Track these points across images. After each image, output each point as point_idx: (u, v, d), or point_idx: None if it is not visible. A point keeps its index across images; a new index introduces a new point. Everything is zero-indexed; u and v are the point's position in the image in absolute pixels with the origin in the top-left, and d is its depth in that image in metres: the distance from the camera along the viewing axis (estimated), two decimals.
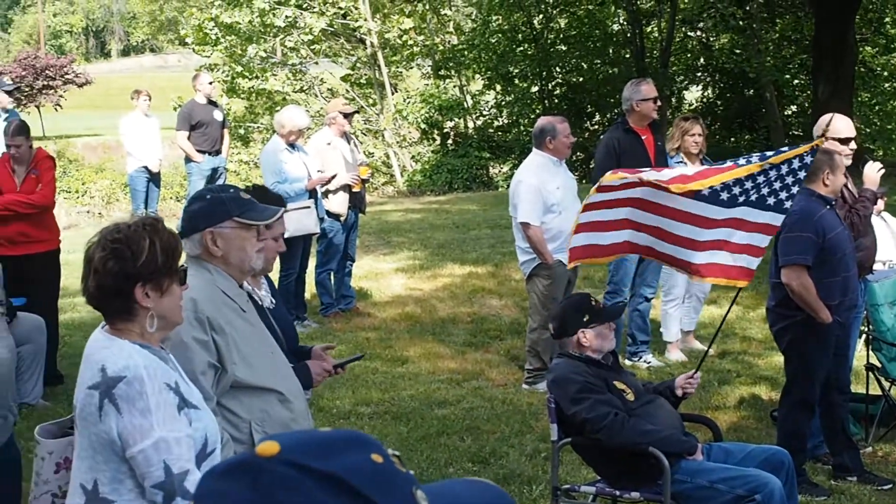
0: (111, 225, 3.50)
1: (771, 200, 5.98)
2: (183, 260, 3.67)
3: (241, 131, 27.52)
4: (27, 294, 8.84)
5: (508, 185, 9.86)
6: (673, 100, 28.07)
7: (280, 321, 4.90)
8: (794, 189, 6.00)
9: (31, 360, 8.51)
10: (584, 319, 5.83)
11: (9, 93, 13.14)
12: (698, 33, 29.58)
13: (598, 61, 28.66)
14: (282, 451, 1.26)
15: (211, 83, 15.33)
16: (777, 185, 5.96)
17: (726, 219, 6.00)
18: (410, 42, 27.60)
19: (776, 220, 6.04)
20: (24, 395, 8.48)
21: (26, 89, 30.63)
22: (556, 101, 27.82)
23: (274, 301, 5.01)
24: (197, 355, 3.99)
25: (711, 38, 29.40)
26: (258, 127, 27.89)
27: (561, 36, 28.42)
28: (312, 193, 10.44)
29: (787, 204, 6.01)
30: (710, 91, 29.89)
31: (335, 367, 5.10)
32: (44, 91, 31.73)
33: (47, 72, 31.87)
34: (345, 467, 1.25)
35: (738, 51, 27.57)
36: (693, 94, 30.63)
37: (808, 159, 6.02)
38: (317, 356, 5.09)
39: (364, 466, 1.27)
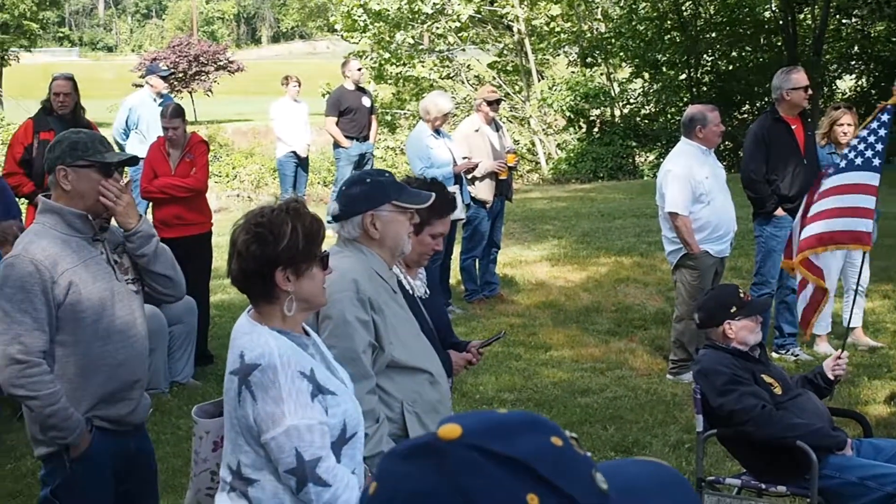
0: (256, 209, 3.56)
1: (859, 161, 6.40)
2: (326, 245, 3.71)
3: (388, 118, 27.76)
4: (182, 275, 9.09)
5: (654, 175, 9.75)
6: (825, 89, 27.35)
7: (433, 311, 4.92)
8: (879, 147, 6.35)
9: (183, 340, 8.75)
10: (731, 311, 5.75)
11: (164, 78, 13.48)
12: (853, 21, 28.74)
13: (749, 49, 28.11)
14: (464, 435, 1.26)
15: (360, 70, 15.49)
16: (861, 146, 6.42)
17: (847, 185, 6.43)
18: (557, 29, 27.47)
19: (873, 179, 6.38)
20: (175, 373, 8.73)
21: (179, 75, 31.38)
22: (705, 89, 27.39)
23: (428, 292, 5.03)
24: (359, 334, 4.08)
25: (867, 26, 28.55)
26: (405, 113, 28.10)
27: (710, 23, 27.94)
28: (458, 180, 10.48)
29: (876, 162, 6.35)
30: (864, 80, 29.03)
31: (477, 349, 5.12)
32: (196, 77, 32.46)
33: (200, 58, 32.60)
34: (527, 451, 1.25)
35: (895, 39, 26.72)
36: (846, 84, 29.80)
37: (884, 117, 6.41)
38: (472, 349, 5.13)
39: (545, 450, 1.27)
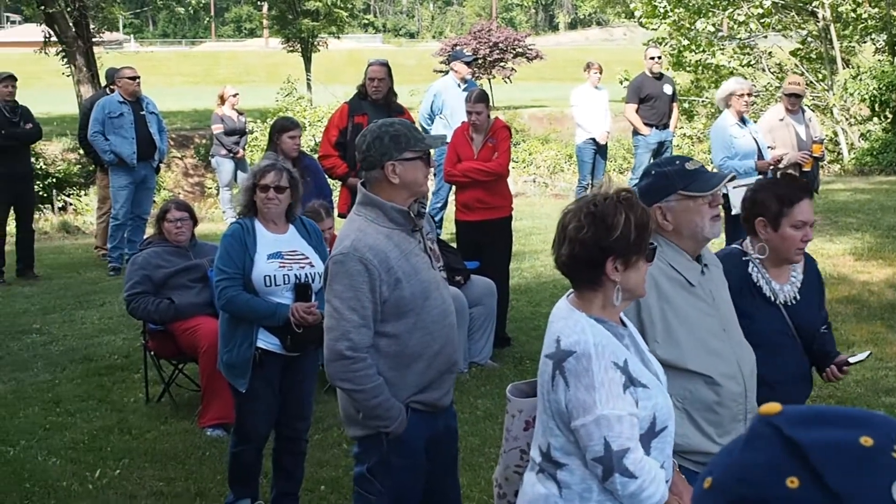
0: (588, 195, 3.55)
1: None
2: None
3: (686, 105, 27.35)
4: (480, 258, 9.27)
5: None
6: None
7: (802, 317, 4.76)
8: None
9: (483, 322, 8.91)
10: None
11: (468, 64, 13.72)
12: None
13: None
14: (778, 414, 1.28)
15: (652, 58, 15.33)
16: None
17: None
18: (865, 15, 26.28)
19: None
20: (474, 354, 8.90)
21: (479, 61, 31.91)
22: None
23: (798, 297, 4.83)
24: None
25: None
26: (702, 101, 27.60)
27: None
28: (761, 170, 10.23)
29: None
30: None
31: (843, 365, 4.92)
32: (496, 63, 32.93)
33: (500, 45, 33.04)
34: (811, 439, 1.23)
35: None
36: None
37: None
38: (838, 365, 4.95)
39: (835, 443, 1.23)
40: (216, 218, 17.59)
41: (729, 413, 4.14)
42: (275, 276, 5.91)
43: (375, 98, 10.03)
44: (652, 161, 14.98)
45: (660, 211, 4.17)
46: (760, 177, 10.15)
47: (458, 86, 13.14)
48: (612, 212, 3.42)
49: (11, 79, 12.69)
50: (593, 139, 15.44)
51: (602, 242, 3.41)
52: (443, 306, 4.57)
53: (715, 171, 10.05)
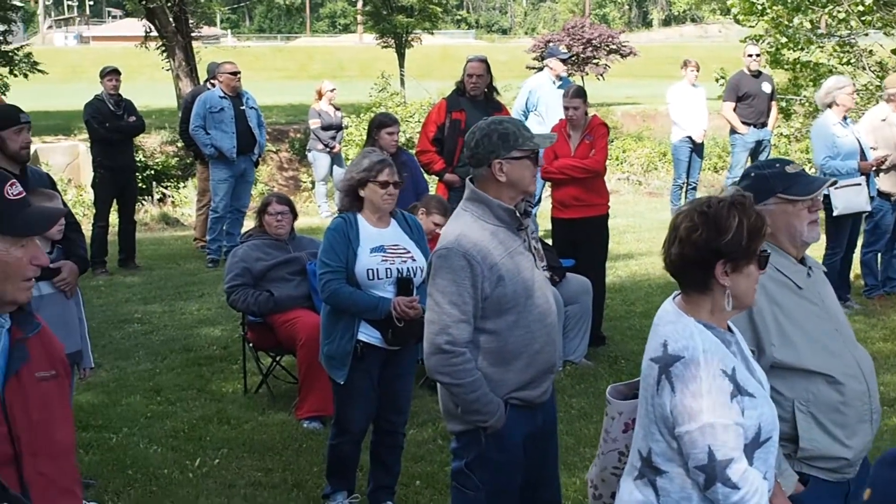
0: (703, 198, 3.54)
1: None
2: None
3: (783, 103, 26.95)
4: (577, 256, 9.24)
5: None
6: None
7: None
8: None
9: (577, 320, 8.89)
10: None
11: (563, 61, 13.67)
12: None
13: None
14: None
15: (750, 56, 15.16)
16: None
17: None
18: None
19: None
20: (569, 352, 8.88)
21: (572, 58, 31.77)
22: None
23: None
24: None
25: None
26: (800, 100, 27.19)
27: None
28: (864, 171, 10.07)
29: None
30: None
31: None
32: (590, 60, 32.75)
33: (593, 42, 32.84)
34: None
35: None
36: None
37: None
38: None
39: None
40: (311, 212, 17.77)
41: (855, 413, 4.06)
42: (377, 269, 5.96)
43: (474, 94, 10.05)
44: (749, 161, 14.88)
45: None
46: (863, 178, 10.00)
47: (553, 83, 13.11)
48: (725, 214, 3.41)
49: (116, 73, 12.95)
50: (689, 137, 15.33)
51: (713, 244, 3.40)
52: (544, 306, 4.56)
53: (815, 172, 9.93)
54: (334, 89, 17.10)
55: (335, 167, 17.02)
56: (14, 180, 3.11)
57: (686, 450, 3.32)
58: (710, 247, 3.40)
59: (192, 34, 24.33)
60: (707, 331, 3.41)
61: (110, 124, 12.73)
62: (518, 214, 4.52)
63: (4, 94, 23.84)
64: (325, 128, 16.75)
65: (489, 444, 4.51)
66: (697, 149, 15.55)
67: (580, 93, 9.42)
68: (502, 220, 4.49)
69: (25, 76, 25.73)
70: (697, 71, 15.50)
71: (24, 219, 3.07)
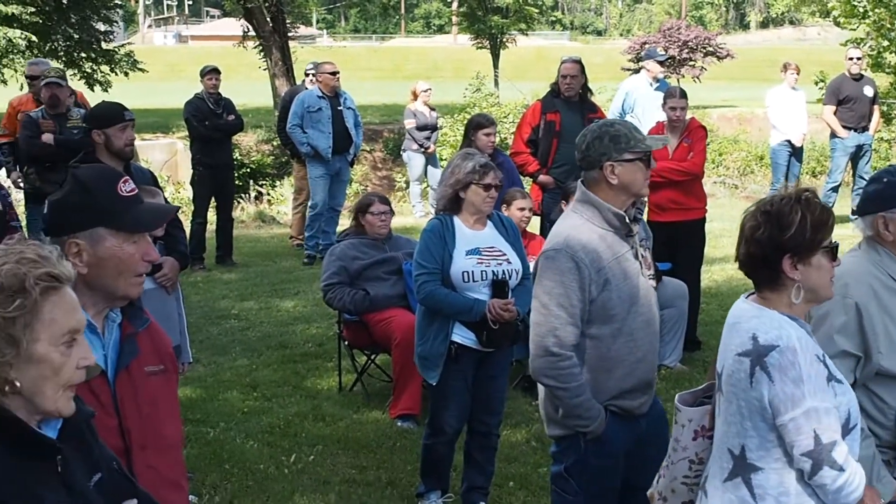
0: (768, 196, 3.59)
1: None
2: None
3: (885, 107, 26.45)
4: (673, 259, 9.17)
5: None
6: None
7: None
8: None
9: (673, 324, 8.82)
10: None
11: (661, 63, 13.58)
12: None
13: None
14: None
15: (851, 59, 14.89)
16: None
17: None
18: None
19: None
20: (664, 357, 8.81)
21: (669, 60, 31.50)
22: None
23: None
24: (831, 342, 4.00)
25: None
26: None
27: None
28: None
29: None
30: None
31: None
32: (686, 62, 32.45)
33: (689, 44, 32.53)
34: None
35: None
36: None
37: None
38: None
39: None
40: (405, 212, 17.85)
41: None
42: (472, 272, 5.97)
43: (568, 95, 10.02)
44: (850, 165, 14.64)
45: (882, 220, 4.11)
46: None
47: (650, 84, 13.03)
48: (787, 211, 3.45)
49: (216, 72, 13.14)
50: (789, 141, 15.13)
51: (776, 240, 3.44)
52: (648, 315, 4.52)
53: None
54: (429, 90, 17.16)
55: (429, 167, 17.09)
56: (127, 177, 3.18)
57: (791, 438, 3.31)
58: (773, 243, 3.45)
59: (289, 34, 24.56)
60: (792, 321, 3.44)
61: (210, 122, 12.93)
62: (628, 221, 4.47)
63: (106, 92, 24.31)
64: (420, 128, 16.82)
65: (588, 450, 4.49)
66: (797, 153, 15.34)
67: (684, 94, 9.39)
68: (612, 224, 4.44)
69: (126, 74, 26.18)
70: (797, 74, 15.26)
71: (137, 215, 3.14)
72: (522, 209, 8.37)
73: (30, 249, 2.47)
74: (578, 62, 10.15)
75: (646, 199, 4.71)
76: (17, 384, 2.40)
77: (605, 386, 4.45)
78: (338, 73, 13.20)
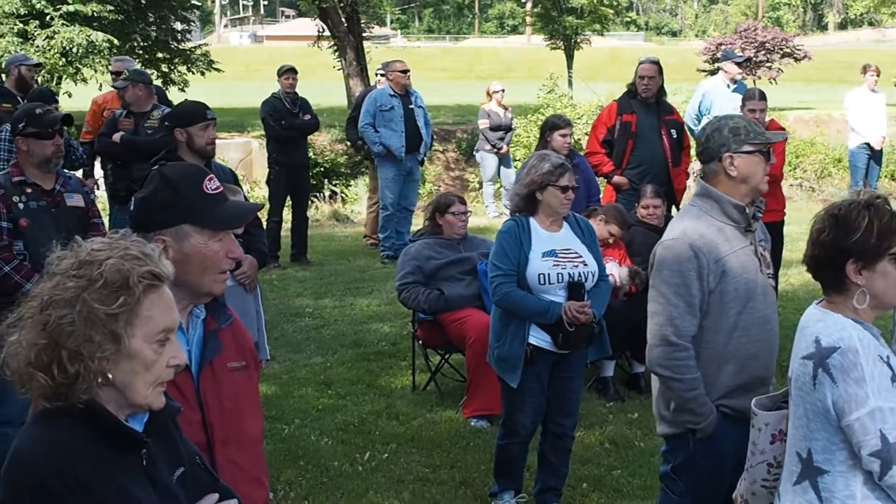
0: (837, 201, 3.60)
1: None
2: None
3: None
4: None
5: None
6: None
7: None
8: None
9: None
10: None
11: (738, 64, 13.44)
12: None
13: None
14: None
15: None
16: None
17: None
18: None
19: None
20: None
21: (746, 62, 31.18)
22: None
23: None
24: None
25: None
26: None
27: None
28: None
29: None
30: None
31: None
32: (762, 64, 32.11)
33: (766, 45, 32.19)
34: None
35: None
36: None
37: None
38: None
39: None
40: (478, 212, 17.86)
41: None
42: (548, 274, 5.95)
43: (645, 96, 9.98)
44: None
45: None
46: None
47: (728, 86, 12.91)
48: (855, 216, 3.46)
49: (292, 71, 13.24)
50: (868, 144, 14.94)
51: (841, 244, 3.45)
52: (765, 311, 4.48)
53: None
54: (503, 90, 17.15)
55: (502, 168, 17.07)
56: (212, 175, 3.21)
57: (857, 439, 3.30)
58: (838, 246, 3.46)
59: (363, 34, 24.69)
60: (857, 324, 3.43)
61: (286, 122, 13.03)
62: (748, 214, 4.45)
63: (184, 91, 24.60)
64: (493, 128, 16.82)
65: (697, 449, 4.47)
66: (875, 156, 15.14)
67: (764, 95, 9.37)
68: (731, 217, 4.42)
69: (202, 74, 26.48)
70: (878, 76, 15.06)
71: (222, 213, 3.17)
72: (613, 234, 8.40)
73: (134, 246, 2.50)
74: (657, 63, 10.10)
75: (764, 200, 4.64)
76: (110, 376, 2.44)
77: (717, 382, 4.42)
78: (408, 70, 13.23)
